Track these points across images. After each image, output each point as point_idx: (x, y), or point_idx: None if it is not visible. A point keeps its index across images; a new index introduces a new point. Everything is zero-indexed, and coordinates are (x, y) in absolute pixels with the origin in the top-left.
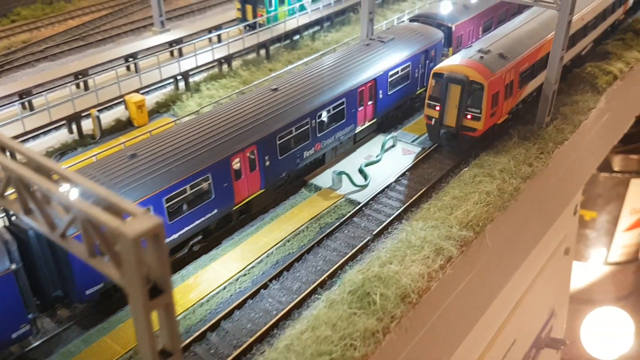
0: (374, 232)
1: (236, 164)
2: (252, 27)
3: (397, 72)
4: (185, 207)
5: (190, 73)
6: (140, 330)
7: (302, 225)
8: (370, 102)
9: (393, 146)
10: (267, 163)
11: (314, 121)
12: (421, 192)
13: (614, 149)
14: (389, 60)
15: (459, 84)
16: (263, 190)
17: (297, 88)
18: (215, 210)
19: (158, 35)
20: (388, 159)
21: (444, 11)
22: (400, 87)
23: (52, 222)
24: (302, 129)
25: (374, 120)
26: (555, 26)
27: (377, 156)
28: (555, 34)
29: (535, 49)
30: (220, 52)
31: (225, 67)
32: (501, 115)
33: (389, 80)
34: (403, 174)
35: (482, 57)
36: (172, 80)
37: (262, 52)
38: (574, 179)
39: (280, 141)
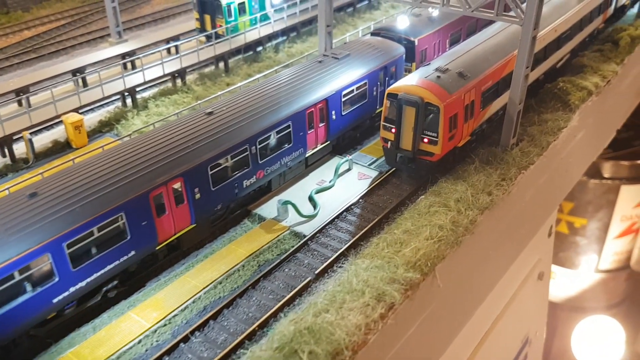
0: (316, 272)
1: (157, 200)
2: (212, 37)
3: (352, 91)
4: (93, 251)
5: (139, 89)
6: None
7: (239, 263)
8: (321, 124)
9: (349, 170)
10: (198, 196)
11: (254, 147)
12: (373, 223)
13: (603, 155)
14: (343, 78)
15: (413, 106)
16: (194, 226)
17: (235, 111)
18: (133, 252)
19: (115, 46)
20: (342, 185)
21: (406, 24)
22: (356, 106)
23: None
24: (239, 157)
25: (327, 142)
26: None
27: (330, 181)
28: (518, 50)
29: (499, 65)
30: (173, 66)
31: (179, 81)
32: (462, 138)
33: (343, 99)
34: (356, 202)
35: (438, 77)
36: (119, 96)
37: (222, 64)
38: (546, 201)
39: (213, 171)
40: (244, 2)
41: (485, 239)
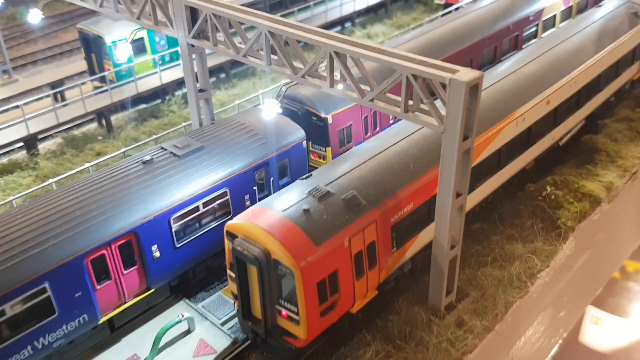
0: None
1: None
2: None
3: (197, 209)
4: None
5: None
6: None
7: None
8: (130, 269)
9: (189, 332)
10: None
11: None
12: None
13: None
14: (178, 190)
15: (253, 263)
16: None
17: None
18: None
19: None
20: None
21: (317, 93)
22: (212, 227)
23: None
24: None
25: (150, 290)
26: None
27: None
28: (440, 170)
29: (433, 176)
30: (18, 132)
31: (39, 150)
32: (356, 301)
33: (177, 224)
34: None
35: (306, 211)
36: None
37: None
38: None
39: None
40: (142, 38)
41: None
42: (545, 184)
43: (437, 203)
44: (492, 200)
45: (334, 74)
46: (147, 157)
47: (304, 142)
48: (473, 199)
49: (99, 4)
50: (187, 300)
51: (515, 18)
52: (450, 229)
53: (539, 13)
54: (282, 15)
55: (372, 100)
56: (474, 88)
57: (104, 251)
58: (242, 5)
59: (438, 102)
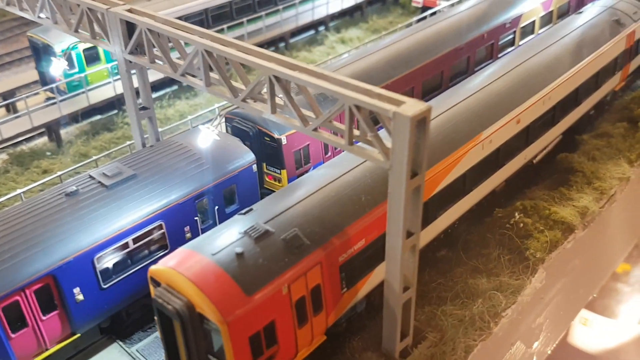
0: None
1: None
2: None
3: (126, 246)
4: None
5: None
6: None
7: None
8: (51, 313)
9: None
10: None
11: None
12: None
13: None
14: (105, 226)
15: (175, 318)
16: None
17: None
18: None
19: None
20: None
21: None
22: (143, 265)
23: None
24: None
25: (76, 335)
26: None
27: None
28: (389, 209)
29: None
30: None
31: None
32: (298, 351)
33: (101, 264)
34: None
35: (239, 255)
36: None
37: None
38: None
39: None
40: (95, 46)
41: None
42: (514, 209)
43: (387, 244)
44: (458, 226)
45: (277, 97)
46: (72, 188)
47: (254, 166)
48: (436, 228)
49: (37, 14)
50: (120, 343)
51: (491, 26)
52: (401, 271)
53: (517, 20)
54: (249, 20)
55: (315, 129)
56: (422, 122)
57: (17, 297)
58: (207, 9)
59: (385, 133)
